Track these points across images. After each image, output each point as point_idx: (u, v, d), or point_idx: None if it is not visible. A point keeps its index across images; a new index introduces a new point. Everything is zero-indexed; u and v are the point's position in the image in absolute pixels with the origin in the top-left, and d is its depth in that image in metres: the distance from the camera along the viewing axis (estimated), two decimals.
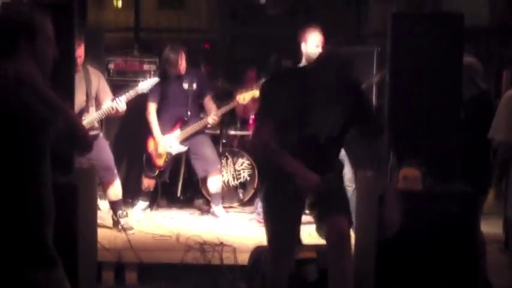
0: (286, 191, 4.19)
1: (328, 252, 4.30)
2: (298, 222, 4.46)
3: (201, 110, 7.83)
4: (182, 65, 7.52)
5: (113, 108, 6.80)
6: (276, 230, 4.38)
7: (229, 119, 8.38)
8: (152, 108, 7.56)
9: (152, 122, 7.56)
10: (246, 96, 7.45)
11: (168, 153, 7.57)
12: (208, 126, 7.69)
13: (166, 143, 7.52)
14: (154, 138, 7.59)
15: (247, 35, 12.65)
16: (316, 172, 4.05)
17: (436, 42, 5.13)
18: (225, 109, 7.63)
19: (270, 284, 4.50)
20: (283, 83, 4.15)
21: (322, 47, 6.82)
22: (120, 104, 6.86)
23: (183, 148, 7.59)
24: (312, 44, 6.79)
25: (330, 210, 4.26)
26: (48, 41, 3.00)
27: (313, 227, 4.47)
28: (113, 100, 6.90)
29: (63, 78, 4.71)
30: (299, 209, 4.43)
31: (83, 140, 2.93)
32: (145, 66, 8.33)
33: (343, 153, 4.93)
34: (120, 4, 21.39)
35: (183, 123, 7.56)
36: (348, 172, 7.01)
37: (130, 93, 6.96)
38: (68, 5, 5.00)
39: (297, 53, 6.95)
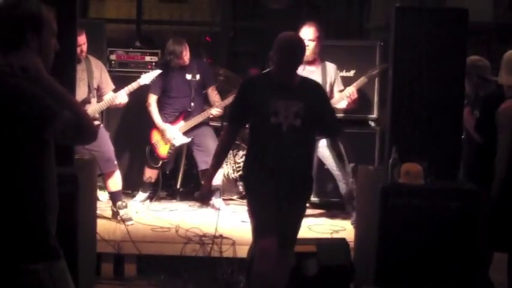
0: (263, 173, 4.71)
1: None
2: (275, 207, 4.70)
3: (204, 101, 7.81)
4: (186, 56, 7.51)
5: (114, 101, 6.81)
6: (258, 210, 4.71)
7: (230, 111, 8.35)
8: (152, 99, 7.54)
9: (153, 112, 7.55)
10: None
11: (172, 145, 7.56)
12: (211, 117, 7.68)
13: (171, 129, 7.50)
14: (157, 129, 7.58)
15: (249, 28, 12.61)
16: (280, 153, 4.64)
17: (440, 38, 5.12)
18: (228, 101, 7.61)
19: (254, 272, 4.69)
20: (255, 85, 4.84)
21: (316, 43, 6.82)
22: (121, 96, 6.85)
23: (186, 139, 7.57)
24: (303, 37, 6.76)
25: (281, 237, 4.65)
26: (53, 34, 3.00)
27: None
28: (114, 91, 6.90)
29: (64, 70, 4.71)
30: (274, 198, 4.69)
31: (88, 130, 2.92)
32: (147, 58, 8.31)
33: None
34: None
35: (187, 114, 7.54)
36: (346, 165, 7.02)
37: (132, 86, 6.95)
38: None
39: None
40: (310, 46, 6.71)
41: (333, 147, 6.22)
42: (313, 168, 5.01)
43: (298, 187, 4.76)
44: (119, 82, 7.23)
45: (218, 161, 5.03)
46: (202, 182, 5.14)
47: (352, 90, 6.94)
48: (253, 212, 4.74)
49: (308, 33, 6.80)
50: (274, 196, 4.67)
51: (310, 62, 6.85)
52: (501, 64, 5.24)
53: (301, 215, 4.87)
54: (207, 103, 7.82)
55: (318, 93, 4.84)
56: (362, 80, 7.14)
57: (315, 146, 5.11)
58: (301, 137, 4.67)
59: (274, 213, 4.64)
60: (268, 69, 4.86)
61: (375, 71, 7.33)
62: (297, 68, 4.71)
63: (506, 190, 5.04)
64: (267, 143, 4.68)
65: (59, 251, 2.93)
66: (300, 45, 4.74)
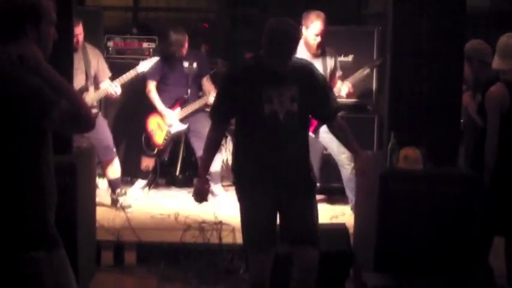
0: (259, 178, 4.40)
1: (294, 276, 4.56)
2: (273, 213, 4.46)
3: (200, 89, 7.82)
4: (185, 46, 7.52)
5: (108, 92, 6.82)
6: (250, 224, 4.47)
7: None
8: (152, 85, 7.55)
9: (154, 98, 7.55)
10: None
11: (168, 132, 7.57)
12: (209, 104, 7.69)
13: (172, 115, 7.51)
14: (154, 116, 7.58)
15: (246, 16, 12.57)
16: (278, 144, 4.33)
17: (438, 24, 5.11)
18: None
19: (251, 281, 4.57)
20: (241, 74, 4.48)
21: (322, 37, 6.77)
22: (115, 87, 6.85)
23: (182, 126, 7.58)
24: (312, 32, 6.73)
25: (295, 234, 4.44)
26: (51, 23, 3.00)
27: None
28: (111, 79, 6.90)
29: (62, 59, 4.70)
30: (272, 198, 4.42)
31: (86, 119, 2.93)
32: (144, 45, 8.31)
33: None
34: None
35: (183, 101, 7.56)
36: (345, 150, 7.01)
37: (130, 74, 6.95)
38: None
39: None
40: (317, 40, 6.69)
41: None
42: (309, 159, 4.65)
43: (300, 178, 4.43)
44: (117, 69, 7.23)
45: (207, 162, 4.66)
46: (195, 184, 4.73)
47: (347, 90, 6.99)
48: (245, 224, 4.49)
49: (316, 28, 6.74)
50: (272, 198, 4.39)
51: (315, 55, 6.81)
52: (496, 49, 5.25)
53: (311, 206, 4.49)
54: (201, 92, 7.84)
55: (310, 76, 4.45)
56: (358, 75, 7.16)
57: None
58: (300, 123, 4.38)
59: (269, 225, 4.44)
60: (255, 55, 4.55)
61: (369, 66, 7.35)
62: (289, 58, 4.31)
63: (497, 174, 5.05)
64: (263, 135, 4.32)
65: (59, 239, 2.95)
66: (292, 35, 4.31)
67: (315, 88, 4.42)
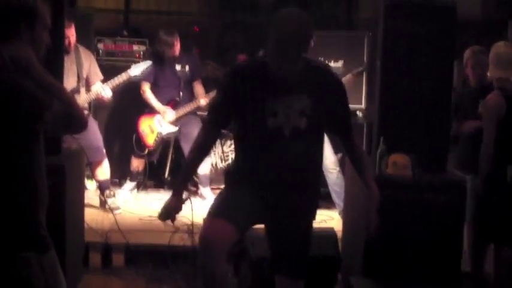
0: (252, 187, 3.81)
1: None
2: (249, 219, 3.90)
3: (192, 93, 7.83)
4: (177, 46, 7.54)
5: (99, 95, 6.81)
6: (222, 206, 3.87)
7: None
8: (146, 86, 7.58)
9: (150, 97, 7.58)
10: None
11: (159, 133, 7.57)
12: (200, 107, 7.71)
13: (171, 113, 7.50)
14: (146, 117, 7.60)
15: (237, 22, 12.57)
16: (281, 165, 3.72)
17: (428, 32, 5.13)
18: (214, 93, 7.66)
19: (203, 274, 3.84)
20: (244, 77, 3.73)
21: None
22: (106, 91, 6.84)
23: (174, 129, 7.59)
24: None
25: (281, 264, 3.92)
26: (45, 27, 3.00)
27: None
28: (104, 81, 6.90)
29: (52, 60, 4.68)
30: (257, 208, 3.82)
31: (78, 121, 2.93)
32: (135, 47, 8.32)
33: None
34: None
35: (175, 104, 7.57)
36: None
37: (122, 77, 6.95)
38: None
39: None
40: None
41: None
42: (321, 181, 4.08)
43: (302, 202, 3.84)
44: (107, 71, 7.23)
45: (189, 171, 4.13)
46: (168, 199, 3.95)
47: None
48: (213, 203, 3.95)
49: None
50: (259, 205, 3.80)
51: None
52: (490, 57, 5.28)
53: (305, 232, 3.92)
54: (192, 94, 7.85)
55: (325, 82, 3.73)
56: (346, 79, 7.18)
57: (323, 152, 4.01)
58: (308, 142, 3.72)
59: (240, 212, 3.78)
60: (260, 56, 4.06)
61: (353, 74, 7.37)
62: (297, 60, 3.55)
63: (491, 182, 5.07)
64: (264, 153, 3.71)
65: (50, 241, 2.95)
66: (301, 30, 3.50)
67: (331, 98, 3.74)
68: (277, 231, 3.89)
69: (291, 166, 3.72)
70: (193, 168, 4.16)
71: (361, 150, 4.03)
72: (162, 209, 3.96)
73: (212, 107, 4.08)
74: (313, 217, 3.99)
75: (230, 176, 4.02)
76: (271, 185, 3.77)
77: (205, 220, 3.94)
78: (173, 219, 3.98)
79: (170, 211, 3.93)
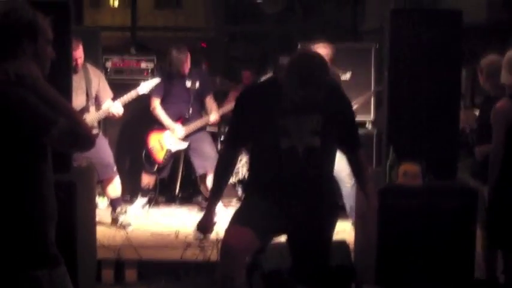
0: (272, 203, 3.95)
1: None
2: (270, 228, 4.01)
3: (202, 108, 7.84)
4: (188, 63, 7.55)
5: (109, 112, 6.83)
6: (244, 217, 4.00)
7: (228, 117, 8.38)
8: (156, 103, 7.57)
9: (160, 114, 7.57)
10: None
11: (168, 150, 7.57)
12: (210, 123, 7.73)
13: (180, 130, 7.51)
14: (155, 133, 7.59)
15: (244, 33, 12.65)
16: (297, 185, 3.86)
17: (435, 39, 5.13)
18: (226, 108, 7.70)
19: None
20: (257, 97, 3.93)
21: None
22: (116, 107, 6.85)
23: (183, 145, 7.59)
24: None
25: (303, 276, 4.05)
26: (48, 41, 3.01)
27: None
28: (112, 99, 6.91)
29: (60, 78, 4.72)
30: (278, 223, 3.98)
31: (85, 138, 2.93)
32: (143, 65, 8.32)
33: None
34: (116, 3, 21.42)
35: (185, 120, 7.58)
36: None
37: (129, 95, 6.96)
38: (65, 4, 5.00)
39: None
40: None
41: None
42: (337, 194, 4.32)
43: (319, 219, 3.98)
44: (115, 89, 7.24)
45: (217, 189, 4.18)
46: (202, 217, 4.20)
47: None
48: (235, 213, 4.11)
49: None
50: (278, 217, 3.94)
51: None
52: (503, 63, 5.25)
53: (324, 245, 4.06)
54: (203, 110, 7.86)
55: (338, 103, 3.94)
56: (361, 99, 7.17)
57: (334, 164, 4.13)
58: (323, 158, 3.90)
59: (261, 221, 3.90)
60: (272, 76, 4.24)
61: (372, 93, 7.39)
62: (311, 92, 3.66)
63: (500, 189, 5.06)
64: (278, 172, 3.85)
65: (59, 257, 2.95)
66: (319, 79, 3.66)
67: (343, 118, 3.93)
68: (298, 241, 4.03)
69: (305, 183, 3.86)
70: (221, 188, 4.20)
71: (365, 164, 4.16)
72: (199, 224, 4.22)
73: (230, 127, 4.27)
74: (333, 227, 4.16)
75: (249, 187, 4.25)
76: (288, 198, 3.91)
77: (227, 228, 4.04)
78: (210, 231, 4.27)
79: (207, 225, 4.18)
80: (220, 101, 8.11)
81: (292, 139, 3.76)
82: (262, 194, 3.98)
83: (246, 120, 3.88)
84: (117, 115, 6.91)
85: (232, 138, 4.07)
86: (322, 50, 6.31)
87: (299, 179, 3.86)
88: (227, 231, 4.00)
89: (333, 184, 4.18)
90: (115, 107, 6.84)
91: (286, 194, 3.90)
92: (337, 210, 4.25)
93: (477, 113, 6.06)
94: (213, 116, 7.58)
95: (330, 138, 3.86)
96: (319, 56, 3.81)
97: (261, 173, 4.02)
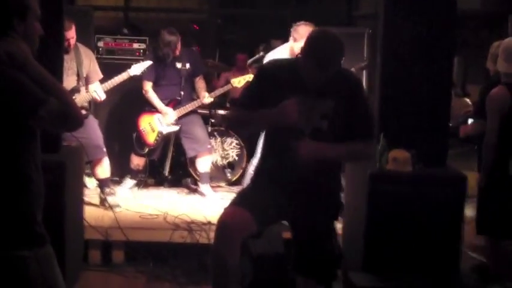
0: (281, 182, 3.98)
1: None
2: (270, 213, 4.02)
3: (193, 90, 7.81)
4: (179, 45, 7.51)
5: (92, 97, 6.80)
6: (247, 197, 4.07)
7: (219, 99, 8.36)
8: (148, 86, 7.52)
9: (152, 97, 7.53)
10: (242, 81, 7.56)
11: (160, 132, 7.55)
12: (202, 105, 7.70)
13: (172, 114, 7.49)
14: (146, 115, 7.56)
15: (236, 16, 12.61)
16: (299, 167, 3.84)
17: (428, 26, 5.12)
18: (219, 91, 7.70)
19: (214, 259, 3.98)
20: (276, 73, 3.99)
21: None
22: (99, 92, 6.81)
23: (174, 127, 7.57)
24: (300, 46, 6.61)
25: (303, 265, 4.00)
26: (36, 18, 2.99)
27: None
28: (104, 79, 6.88)
29: (51, 58, 4.69)
30: (283, 204, 4.00)
31: (74, 117, 2.92)
32: (135, 45, 8.28)
33: None
34: None
35: (176, 103, 7.55)
36: None
37: (122, 76, 6.94)
38: None
39: (287, 36, 6.82)
40: None
41: None
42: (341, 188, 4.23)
43: (321, 203, 3.97)
44: (107, 70, 7.20)
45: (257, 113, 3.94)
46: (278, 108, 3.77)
47: None
48: (239, 192, 4.22)
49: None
50: (283, 202, 3.97)
51: None
52: (499, 51, 5.24)
53: (327, 233, 4.01)
54: (193, 91, 7.84)
55: (352, 88, 3.99)
56: None
57: None
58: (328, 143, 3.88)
59: (263, 203, 3.94)
60: (290, 59, 4.23)
61: (355, 69, 7.34)
62: (329, 73, 3.83)
63: (493, 175, 5.07)
64: (284, 151, 3.87)
65: (45, 236, 2.94)
66: (340, 50, 3.87)
67: (355, 105, 3.95)
68: (299, 228, 4.02)
69: (310, 166, 3.82)
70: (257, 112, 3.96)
71: (360, 144, 4.01)
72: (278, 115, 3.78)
73: (245, 90, 4.30)
74: (335, 217, 4.15)
75: (256, 171, 4.28)
76: (292, 182, 3.94)
77: (226, 207, 4.07)
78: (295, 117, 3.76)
79: (290, 111, 3.76)
80: (211, 83, 8.06)
81: (300, 120, 3.76)
82: (268, 175, 4.06)
83: (261, 92, 3.94)
84: (98, 99, 6.86)
85: (246, 100, 4.04)
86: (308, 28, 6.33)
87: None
88: (226, 209, 4.03)
89: (338, 170, 4.18)
90: (97, 92, 6.79)
91: (290, 174, 3.93)
92: (340, 201, 4.25)
93: (468, 100, 6.07)
94: (207, 98, 7.54)
95: (339, 124, 3.90)
96: (335, 38, 3.87)
97: (269, 153, 4.15)
